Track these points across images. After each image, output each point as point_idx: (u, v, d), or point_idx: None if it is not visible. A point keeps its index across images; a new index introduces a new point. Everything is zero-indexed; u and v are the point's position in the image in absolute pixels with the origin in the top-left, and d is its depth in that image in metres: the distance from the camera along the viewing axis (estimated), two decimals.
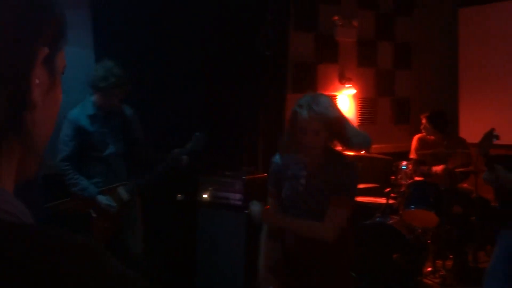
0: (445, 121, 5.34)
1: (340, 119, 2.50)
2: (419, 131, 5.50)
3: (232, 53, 5.02)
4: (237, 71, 5.06)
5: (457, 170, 5.08)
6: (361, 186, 5.48)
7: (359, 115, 6.73)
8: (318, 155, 2.52)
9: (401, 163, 5.15)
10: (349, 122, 2.57)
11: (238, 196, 4.56)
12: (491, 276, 3.16)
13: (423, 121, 5.39)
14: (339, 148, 2.64)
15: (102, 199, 3.64)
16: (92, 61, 4.17)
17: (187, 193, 4.73)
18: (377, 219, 4.89)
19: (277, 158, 2.69)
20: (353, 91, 6.42)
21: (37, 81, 0.67)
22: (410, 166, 5.16)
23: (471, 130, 6.48)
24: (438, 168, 5.08)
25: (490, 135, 3.09)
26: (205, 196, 4.70)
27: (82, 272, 0.58)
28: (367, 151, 4.49)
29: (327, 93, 6.29)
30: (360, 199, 5.42)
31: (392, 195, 5.04)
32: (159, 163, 3.80)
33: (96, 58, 4.20)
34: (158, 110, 4.52)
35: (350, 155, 5.52)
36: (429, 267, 5.08)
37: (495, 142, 3.06)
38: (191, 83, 4.82)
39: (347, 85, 6.37)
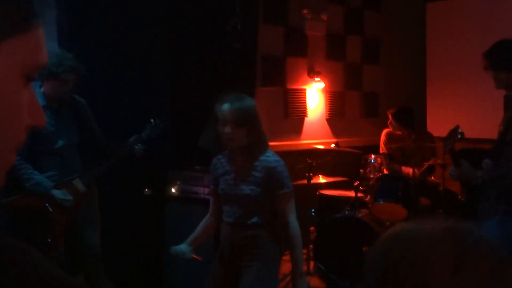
0: (410, 118, 5.36)
1: (258, 120, 2.75)
2: (387, 126, 5.52)
3: (200, 44, 4.95)
4: (205, 63, 5.00)
5: (424, 163, 5.12)
6: (330, 179, 5.50)
7: (328, 108, 6.73)
8: (242, 150, 2.72)
9: (370, 157, 5.18)
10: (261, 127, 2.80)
11: (207, 190, 4.49)
12: None
13: (389, 117, 5.41)
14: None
15: (57, 193, 3.54)
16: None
17: (155, 187, 4.65)
18: (346, 212, 4.91)
19: (214, 159, 2.94)
20: (321, 84, 6.42)
21: None
22: (378, 159, 5.19)
23: (438, 124, 6.55)
24: (408, 169, 5.11)
25: (454, 133, 3.11)
26: (173, 190, 4.64)
27: (3, 275, 0.53)
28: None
29: (295, 86, 6.32)
30: (329, 192, 5.43)
31: (361, 188, 5.06)
32: (114, 153, 3.73)
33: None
34: (123, 101, 4.42)
35: (320, 149, 5.53)
36: None
37: (460, 138, 3.07)
38: (158, 75, 4.73)
39: (316, 79, 6.37)
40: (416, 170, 4.90)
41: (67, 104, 3.68)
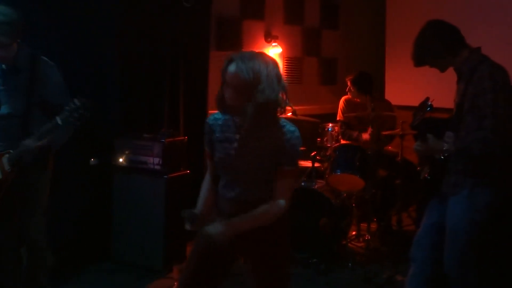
0: (369, 84, 5.26)
1: (270, 85, 2.28)
2: (346, 93, 5.38)
3: (148, 3, 4.64)
4: (154, 25, 4.70)
5: (383, 133, 5.01)
6: None
7: (285, 75, 6.55)
8: (249, 117, 2.31)
9: (328, 125, 5.04)
10: (280, 88, 2.33)
11: (157, 160, 4.30)
12: (417, 245, 3.10)
13: (348, 84, 5.29)
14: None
15: None
16: None
17: (102, 157, 4.41)
18: (303, 183, 4.78)
19: (211, 119, 2.52)
20: (279, 50, 6.23)
21: None
22: (336, 128, 5.05)
23: (397, 92, 6.47)
24: (366, 136, 5.00)
25: (424, 105, 2.97)
26: (121, 160, 4.42)
27: None
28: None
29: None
30: None
31: (318, 158, 4.93)
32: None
33: None
34: (68, 66, 4.09)
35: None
36: (353, 231, 5.04)
37: (430, 111, 2.94)
38: (104, 39, 4.43)
39: (273, 44, 6.17)
40: (375, 130, 4.79)
41: (20, 68, 3.22)
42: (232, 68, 2.28)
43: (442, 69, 3.03)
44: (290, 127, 2.39)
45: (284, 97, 2.35)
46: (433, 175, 2.99)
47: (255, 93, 2.26)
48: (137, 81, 4.69)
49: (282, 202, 2.40)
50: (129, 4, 4.53)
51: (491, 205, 2.86)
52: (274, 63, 2.35)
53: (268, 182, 2.42)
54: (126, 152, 4.39)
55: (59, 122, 3.08)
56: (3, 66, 3.23)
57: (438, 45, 2.93)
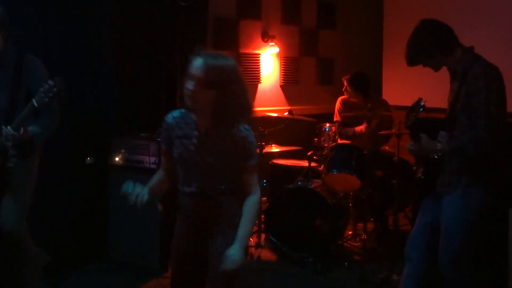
0: (366, 84, 5.26)
1: (236, 85, 2.38)
2: (343, 93, 5.38)
3: (145, 2, 4.63)
4: (151, 23, 4.69)
5: (379, 132, 5.01)
6: (283, 148, 5.34)
7: (283, 75, 6.56)
8: (209, 115, 2.40)
9: (325, 125, 5.05)
10: (245, 93, 2.43)
11: (153, 159, 4.29)
12: (412, 245, 3.10)
13: (345, 83, 5.29)
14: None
15: None
16: None
17: (98, 156, 4.39)
18: (299, 183, 4.78)
19: (169, 117, 2.56)
20: (276, 49, 6.23)
21: None
22: (333, 128, 5.06)
23: (394, 92, 6.47)
24: (361, 127, 5.00)
25: (417, 106, 2.96)
26: (117, 159, 4.40)
27: None
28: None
29: (249, 51, 6.08)
30: (282, 162, 5.29)
31: (314, 158, 4.93)
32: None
33: None
34: (65, 65, 4.09)
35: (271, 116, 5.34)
36: (350, 231, 5.04)
37: (422, 111, 2.94)
38: (101, 37, 4.42)
39: (270, 43, 6.18)
40: (371, 126, 4.80)
41: (5, 63, 3.17)
42: (198, 62, 2.33)
43: (436, 68, 3.03)
44: (244, 126, 2.46)
45: (245, 99, 2.43)
46: (427, 175, 2.98)
47: (218, 91, 2.33)
48: (133, 80, 4.68)
49: (258, 193, 2.53)
50: (126, 4, 4.52)
51: (485, 204, 2.86)
52: (237, 65, 2.44)
53: (226, 177, 2.49)
54: (123, 151, 4.38)
55: (35, 104, 2.98)
56: None
57: (431, 44, 2.93)
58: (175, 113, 2.55)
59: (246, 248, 2.47)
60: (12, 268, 3.33)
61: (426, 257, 3.03)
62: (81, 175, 4.37)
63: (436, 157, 2.90)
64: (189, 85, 2.35)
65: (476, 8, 5.90)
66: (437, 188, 2.97)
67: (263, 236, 4.83)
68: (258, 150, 4.55)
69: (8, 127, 3.02)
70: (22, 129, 3.01)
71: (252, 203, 2.51)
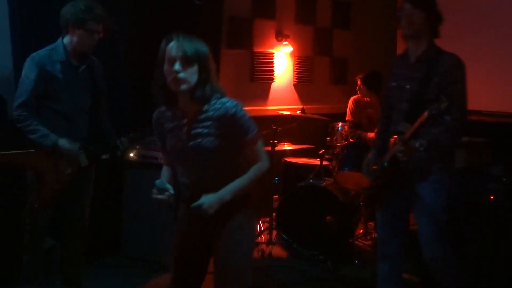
0: (379, 82, 5.27)
1: (210, 62, 2.44)
2: (356, 93, 5.40)
3: (160, 1, 4.68)
4: (166, 22, 4.73)
5: None
6: (295, 147, 5.37)
7: (296, 74, 6.58)
8: (194, 98, 2.41)
9: (337, 124, 5.07)
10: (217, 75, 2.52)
11: None
12: (385, 242, 3.21)
13: (358, 82, 5.31)
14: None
15: (63, 142, 3.23)
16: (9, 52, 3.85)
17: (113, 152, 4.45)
18: (311, 181, 4.81)
19: (155, 114, 2.61)
20: (290, 48, 6.25)
21: None
22: (346, 127, 5.08)
23: None
24: (372, 134, 5.02)
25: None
26: (132, 155, 4.45)
27: None
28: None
29: (263, 50, 6.12)
30: (294, 160, 5.32)
31: (326, 156, 4.95)
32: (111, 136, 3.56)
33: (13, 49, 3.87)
34: None
35: (286, 114, 5.38)
36: (361, 229, 5.06)
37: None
38: (117, 37, 4.47)
39: (284, 43, 6.20)
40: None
41: (86, 63, 3.38)
42: (174, 43, 2.38)
43: (410, 36, 3.10)
44: (232, 102, 2.43)
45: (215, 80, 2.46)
46: (393, 164, 3.02)
47: (199, 64, 2.37)
48: (148, 77, 4.72)
49: (264, 160, 2.49)
50: (141, 4, 4.57)
51: (453, 186, 3.06)
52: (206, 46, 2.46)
53: (225, 160, 2.46)
54: (137, 147, 4.44)
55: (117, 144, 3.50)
56: (72, 59, 3.33)
57: (438, 14, 3.03)
58: (161, 110, 2.59)
59: (224, 201, 2.40)
60: (70, 253, 3.61)
61: (401, 251, 3.19)
62: (96, 170, 4.42)
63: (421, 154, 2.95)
64: (176, 65, 2.36)
65: (483, 9, 5.88)
66: (407, 177, 3.03)
67: (274, 233, 4.88)
68: (270, 148, 4.67)
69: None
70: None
71: (254, 168, 2.47)
